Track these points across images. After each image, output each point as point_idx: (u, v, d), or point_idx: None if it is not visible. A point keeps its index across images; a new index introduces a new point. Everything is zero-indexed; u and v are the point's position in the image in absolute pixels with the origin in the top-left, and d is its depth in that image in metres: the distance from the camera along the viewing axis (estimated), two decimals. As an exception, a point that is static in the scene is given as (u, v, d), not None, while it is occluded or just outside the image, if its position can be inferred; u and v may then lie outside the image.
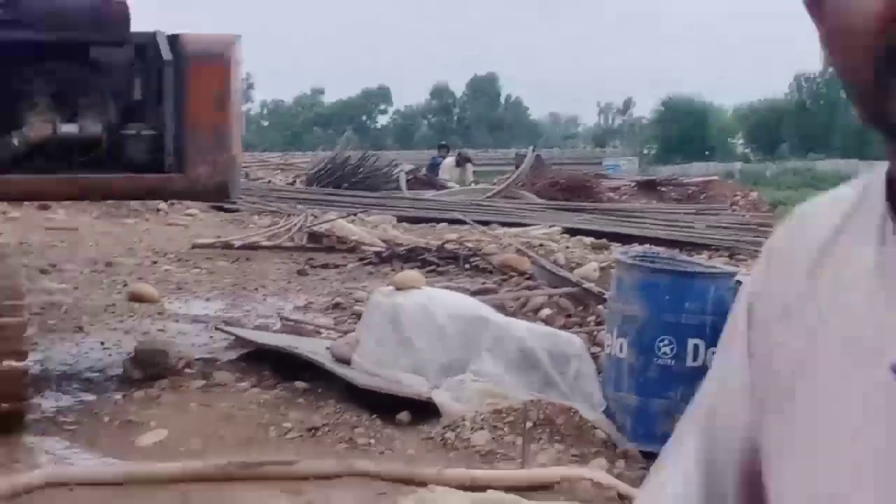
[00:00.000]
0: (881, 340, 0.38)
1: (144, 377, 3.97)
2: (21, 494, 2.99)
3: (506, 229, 8.93)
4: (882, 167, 0.41)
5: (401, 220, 9.75)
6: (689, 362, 3.38)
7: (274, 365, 4.11)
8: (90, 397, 4.10)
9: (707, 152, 43.79)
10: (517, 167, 14.44)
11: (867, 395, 0.40)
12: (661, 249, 7.37)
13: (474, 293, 5.20)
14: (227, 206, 8.94)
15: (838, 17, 0.37)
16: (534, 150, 16.91)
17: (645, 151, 44.70)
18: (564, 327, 4.59)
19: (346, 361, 3.85)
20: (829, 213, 0.46)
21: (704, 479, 0.52)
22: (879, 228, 0.40)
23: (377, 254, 7.32)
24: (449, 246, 7.39)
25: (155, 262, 7.16)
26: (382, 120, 68.48)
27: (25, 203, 7.24)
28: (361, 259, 7.35)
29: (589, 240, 8.67)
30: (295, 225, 8.57)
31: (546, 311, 5.03)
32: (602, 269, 5.93)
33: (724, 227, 10.29)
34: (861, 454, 0.40)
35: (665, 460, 0.56)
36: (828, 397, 0.42)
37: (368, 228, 8.63)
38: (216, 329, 4.90)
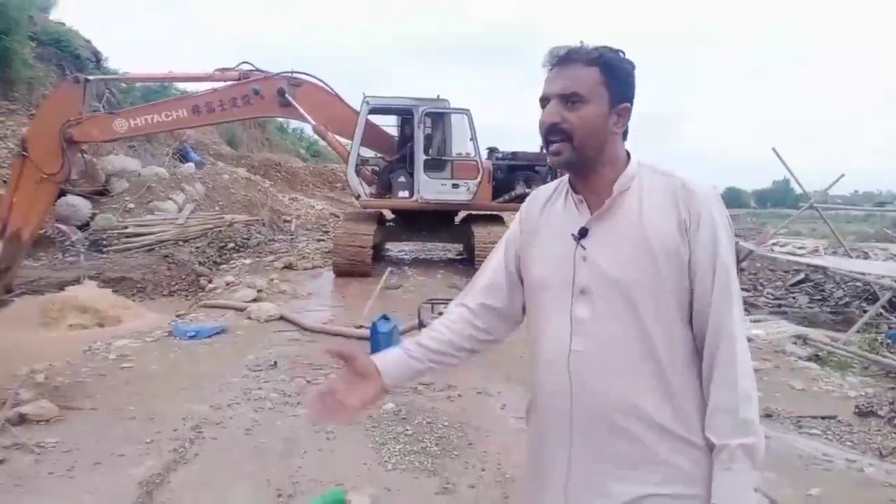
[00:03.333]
0: (565, 227, 1.44)
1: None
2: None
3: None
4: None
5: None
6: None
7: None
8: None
9: None
10: None
11: (563, 240, 1.44)
12: None
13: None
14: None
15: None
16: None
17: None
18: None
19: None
20: (550, 188, 1.57)
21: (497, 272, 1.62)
22: (567, 192, 1.49)
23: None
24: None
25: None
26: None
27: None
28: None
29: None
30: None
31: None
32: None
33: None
34: (552, 260, 1.46)
35: (485, 262, 1.66)
36: (545, 241, 1.49)
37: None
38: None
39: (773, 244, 11.65)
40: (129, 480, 3.57)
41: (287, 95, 9.77)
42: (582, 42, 1.44)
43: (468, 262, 10.73)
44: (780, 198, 67.37)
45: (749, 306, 8.80)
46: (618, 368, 1.39)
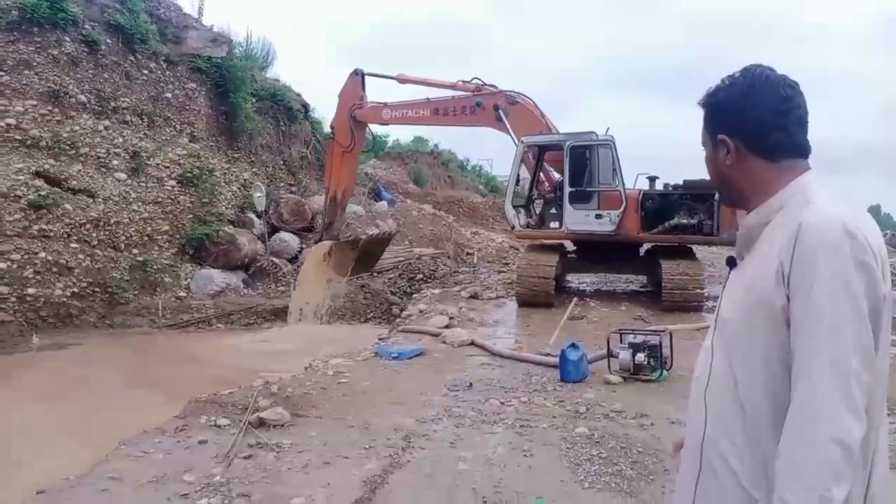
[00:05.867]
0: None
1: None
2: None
3: None
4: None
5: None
6: None
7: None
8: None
9: None
10: None
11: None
12: None
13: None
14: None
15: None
16: None
17: None
18: None
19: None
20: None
21: None
22: None
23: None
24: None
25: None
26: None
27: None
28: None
29: None
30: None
31: None
32: None
33: None
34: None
35: None
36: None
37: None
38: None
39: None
40: (354, 479, 4.06)
41: (500, 111, 10.72)
42: (730, 76, 1.43)
43: (654, 295, 10.56)
44: None
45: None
46: (711, 403, 1.40)
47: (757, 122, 1.36)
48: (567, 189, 10.19)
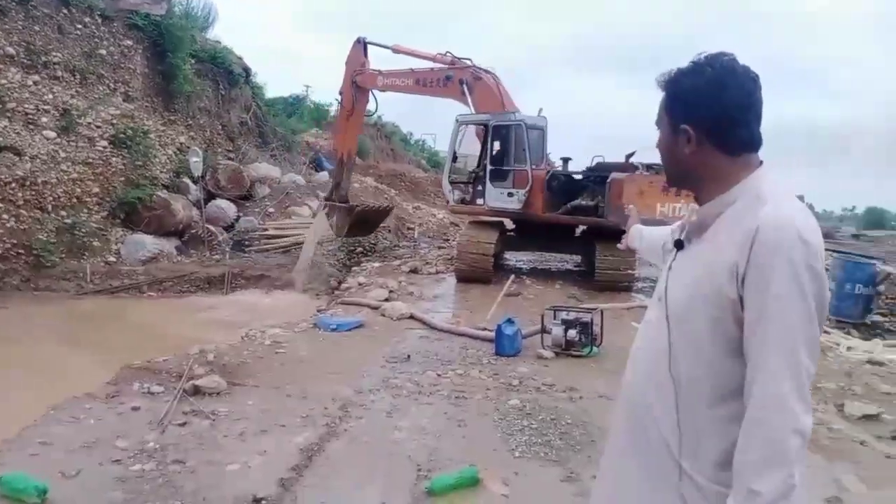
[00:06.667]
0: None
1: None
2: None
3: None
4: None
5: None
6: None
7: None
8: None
9: None
10: None
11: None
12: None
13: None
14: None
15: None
16: None
17: None
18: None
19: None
20: None
21: None
22: None
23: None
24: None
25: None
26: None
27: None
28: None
29: None
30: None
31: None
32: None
33: None
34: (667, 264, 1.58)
35: None
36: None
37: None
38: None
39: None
40: (291, 447, 4.11)
41: (465, 85, 10.94)
42: (698, 56, 1.43)
43: (587, 274, 10.86)
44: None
45: (885, 332, 8.44)
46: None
47: (723, 118, 1.40)
48: (488, 167, 10.59)
